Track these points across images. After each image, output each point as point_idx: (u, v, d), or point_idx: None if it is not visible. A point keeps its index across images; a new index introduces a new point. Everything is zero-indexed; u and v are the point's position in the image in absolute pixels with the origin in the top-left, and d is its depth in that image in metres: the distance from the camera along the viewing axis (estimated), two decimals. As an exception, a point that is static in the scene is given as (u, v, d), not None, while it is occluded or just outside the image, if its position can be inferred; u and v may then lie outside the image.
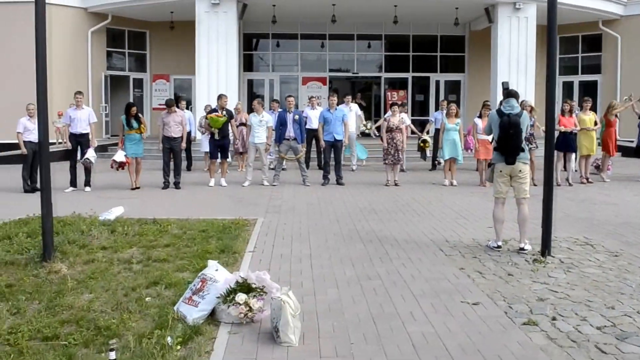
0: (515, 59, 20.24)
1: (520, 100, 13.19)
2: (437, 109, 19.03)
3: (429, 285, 5.77)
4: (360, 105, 23.02)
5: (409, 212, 9.95)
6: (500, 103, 7.82)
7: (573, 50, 24.32)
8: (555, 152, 12.76)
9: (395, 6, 20.34)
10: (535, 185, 11.24)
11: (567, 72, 24.43)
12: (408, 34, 24.18)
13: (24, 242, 7.34)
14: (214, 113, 13.43)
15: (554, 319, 4.82)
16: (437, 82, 24.80)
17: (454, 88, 24.95)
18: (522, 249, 7.07)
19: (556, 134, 12.73)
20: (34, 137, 11.62)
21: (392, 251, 7.20)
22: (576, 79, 24.26)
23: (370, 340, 4.40)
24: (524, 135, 7.11)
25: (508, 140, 7.03)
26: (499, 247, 7.22)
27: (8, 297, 5.30)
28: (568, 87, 24.17)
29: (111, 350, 3.49)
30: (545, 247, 6.87)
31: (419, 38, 24.61)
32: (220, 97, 13.78)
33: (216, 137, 13.34)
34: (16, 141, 12.83)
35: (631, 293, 5.51)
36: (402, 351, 4.20)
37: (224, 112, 13.40)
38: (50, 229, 6.58)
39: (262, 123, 13.57)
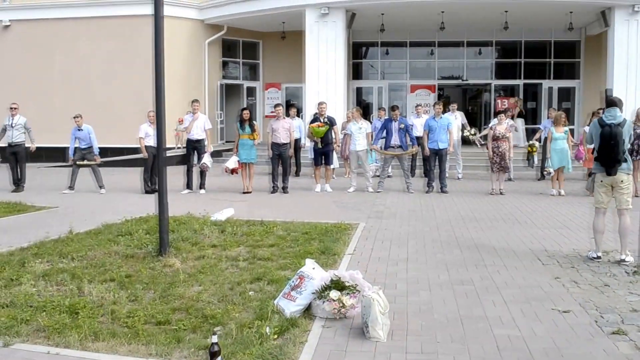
0: (633, 64, 19.25)
1: (634, 109, 12.81)
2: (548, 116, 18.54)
3: (521, 292, 5.82)
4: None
5: (510, 221, 9.90)
6: (603, 111, 7.68)
7: None
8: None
9: (506, 12, 20.02)
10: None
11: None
12: (519, 39, 23.64)
13: (142, 238, 8.04)
14: (315, 123, 13.82)
15: (645, 329, 4.76)
16: (549, 89, 24.02)
17: (567, 95, 24.09)
18: (623, 260, 6.91)
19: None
20: (154, 142, 12.55)
21: (488, 258, 7.26)
22: None
23: (456, 339, 4.57)
24: (626, 145, 6.96)
25: (608, 151, 6.91)
26: (598, 257, 7.08)
27: (127, 286, 5.89)
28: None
29: (214, 334, 3.89)
30: (647, 259, 6.71)
31: (531, 44, 23.97)
32: (318, 104, 14.17)
33: (319, 145, 13.75)
34: (137, 146, 13.87)
35: None
36: (486, 351, 4.34)
37: (325, 120, 13.77)
38: (166, 227, 7.19)
39: (362, 130, 13.89)
